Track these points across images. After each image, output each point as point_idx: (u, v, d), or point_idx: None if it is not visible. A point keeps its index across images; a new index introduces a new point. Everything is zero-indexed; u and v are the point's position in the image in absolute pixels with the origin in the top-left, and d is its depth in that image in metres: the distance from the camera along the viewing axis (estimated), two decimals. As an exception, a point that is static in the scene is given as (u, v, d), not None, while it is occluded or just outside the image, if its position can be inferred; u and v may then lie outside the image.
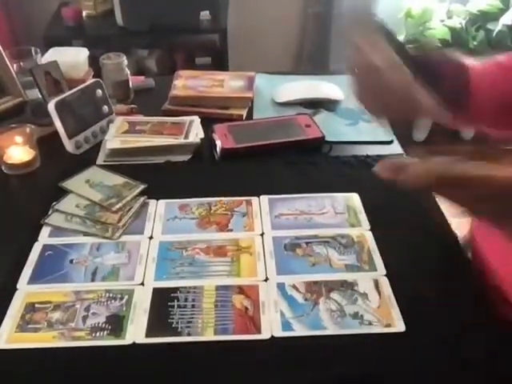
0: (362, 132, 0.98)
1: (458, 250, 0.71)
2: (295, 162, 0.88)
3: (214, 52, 2.27)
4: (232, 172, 0.87)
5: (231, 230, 0.74)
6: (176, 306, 0.62)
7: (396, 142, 0.95)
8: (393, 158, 0.52)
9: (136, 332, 0.59)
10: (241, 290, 0.64)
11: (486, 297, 0.63)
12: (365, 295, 0.63)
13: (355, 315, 0.61)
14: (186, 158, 0.90)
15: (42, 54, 1.07)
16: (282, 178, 0.85)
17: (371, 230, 0.74)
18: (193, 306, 0.62)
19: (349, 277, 0.66)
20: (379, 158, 0.89)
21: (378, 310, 0.61)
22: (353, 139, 0.96)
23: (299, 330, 0.59)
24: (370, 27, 0.66)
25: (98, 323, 0.61)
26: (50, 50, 1.11)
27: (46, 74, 0.97)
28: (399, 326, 0.60)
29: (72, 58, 1.09)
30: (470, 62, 0.69)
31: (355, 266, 0.68)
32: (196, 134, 0.92)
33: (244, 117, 1.02)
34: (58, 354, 0.58)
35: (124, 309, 0.62)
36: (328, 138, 0.93)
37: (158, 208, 0.78)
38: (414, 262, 0.68)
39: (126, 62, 1.08)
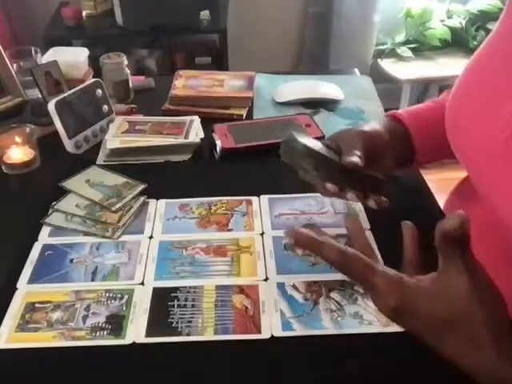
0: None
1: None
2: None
3: (214, 52, 2.27)
4: (232, 172, 0.87)
5: (231, 230, 0.74)
6: (176, 306, 0.62)
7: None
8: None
9: (136, 332, 0.59)
10: (241, 289, 0.64)
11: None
12: (365, 295, 0.63)
13: (355, 315, 0.61)
14: (185, 157, 0.90)
15: (42, 54, 1.07)
16: (281, 177, 0.85)
17: (371, 229, 0.74)
18: (193, 306, 0.62)
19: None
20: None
21: (378, 310, 0.61)
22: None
23: (299, 330, 0.59)
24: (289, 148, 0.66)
25: (98, 323, 0.61)
26: (50, 50, 1.11)
27: (46, 73, 0.97)
28: (399, 325, 0.59)
29: (72, 58, 1.09)
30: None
31: (355, 265, 0.67)
32: (196, 133, 0.92)
33: (244, 116, 1.02)
34: (58, 354, 0.58)
35: (124, 308, 0.62)
36: (328, 138, 0.93)
37: (158, 208, 0.78)
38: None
39: (125, 61, 1.08)
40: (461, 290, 0.43)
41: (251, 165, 0.88)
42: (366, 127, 0.71)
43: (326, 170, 0.64)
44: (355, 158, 0.63)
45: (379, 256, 0.59)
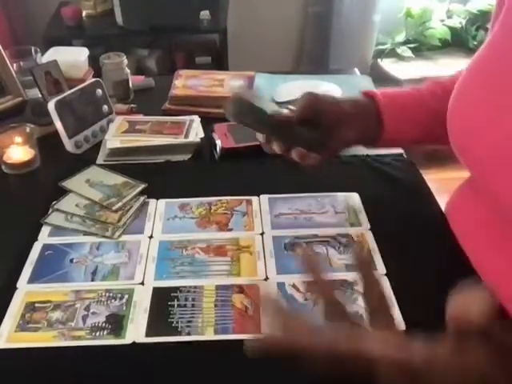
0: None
1: (459, 250, 0.71)
2: (295, 162, 0.88)
3: (214, 52, 2.27)
4: (232, 172, 0.87)
5: (231, 230, 0.74)
6: (176, 306, 0.62)
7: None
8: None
9: (136, 331, 0.59)
10: (241, 289, 0.64)
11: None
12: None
13: (355, 315, 0.61)
14: (185, 157, 0.90)
15: (42, 54, 1.07)
16: (281, 177, 0.85)
17: (371, 229, 0.74)
18: (193, 306, 0.62)
19: (349, 276, 0.66)
20: (379, 157, 0.89)
21: None
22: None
23: (299, 330, 0.59)
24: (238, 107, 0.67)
25: (98, 323, 0.61)
26: (50, 50, 1.11)
27: (46, 73, 0.97)
28: (399, 325, 0.59)
29: (72, 58, 1.09)
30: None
31: (355, 265, 0.67)
32: (196, 133, 0.92)
33: (244, 116, 1.02)
34: (58, 354, 0.58)
35: (124, 308, 0.62)
36: (328, 138, 0.93)
37: (158, 207, 0.78)
38: (414, 261, 0.68)
39: (125, 61, 1.08)
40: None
41: (251, 165, 0.87)
42: (322, 93, 0.72)
43: (254, 118, 0.67)
44: (284, 111, 0.66)
45: (396, 309, 0.59)
